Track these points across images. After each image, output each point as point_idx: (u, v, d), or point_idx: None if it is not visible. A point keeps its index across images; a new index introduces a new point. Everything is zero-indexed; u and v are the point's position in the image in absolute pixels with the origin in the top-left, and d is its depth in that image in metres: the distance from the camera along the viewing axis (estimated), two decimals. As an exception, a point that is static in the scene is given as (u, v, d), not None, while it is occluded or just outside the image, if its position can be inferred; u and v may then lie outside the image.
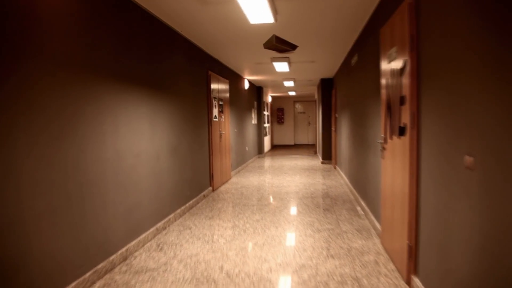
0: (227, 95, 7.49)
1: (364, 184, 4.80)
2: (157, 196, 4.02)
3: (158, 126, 4.07)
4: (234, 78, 8.46)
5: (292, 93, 15.08)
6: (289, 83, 10.98)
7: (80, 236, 2.61)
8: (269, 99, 15.60)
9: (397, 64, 2.79)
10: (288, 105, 18.35)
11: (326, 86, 10.19)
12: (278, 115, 18.29)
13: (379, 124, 3.75)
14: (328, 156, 10.25)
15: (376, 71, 3.83)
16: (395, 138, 2.89)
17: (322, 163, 10.25)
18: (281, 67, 7.50)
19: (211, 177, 6.24)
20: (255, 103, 11.85)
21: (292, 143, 18.41)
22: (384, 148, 3.31)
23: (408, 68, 2.49)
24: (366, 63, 4.49)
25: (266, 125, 14.22)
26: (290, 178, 7.76)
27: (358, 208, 4.98)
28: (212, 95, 6.25)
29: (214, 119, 6.40)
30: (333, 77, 9.77)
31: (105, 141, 2.94)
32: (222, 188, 6.69)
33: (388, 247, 3.20)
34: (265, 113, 13.92)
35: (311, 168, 9.37)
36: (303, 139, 18.51)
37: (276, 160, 11.27)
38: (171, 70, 4.49)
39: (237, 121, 8.81)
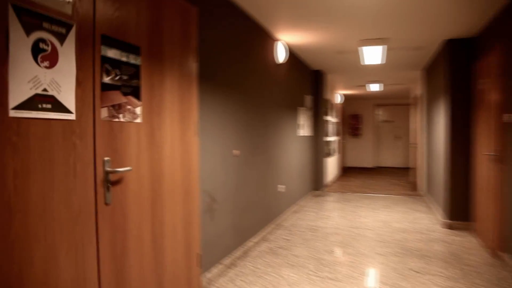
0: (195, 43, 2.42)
1: None
2: None
3: None
4: (232, 23, 3.39)
5: (375, 88, 9.48)
6: (373, 52, 5.56)
7: None
8: (337, 98, 10.17)
9: None
10: (366, 110, 12.69)
11: (461, 56, 4.60)
12: (352, 124, 12.71)
13: None
14: (463, 211, 4.58)
15: None
16: None
17: (448, 226, 4.60)
18: None
19: None
20: (309, 99, 6.60)
21: (371, 165, 12.64)
22: None
23: None
24: None
25: (332, 138, 8.78)
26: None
27: None
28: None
29: None
30: (482, 33, 4.13)
31: None
32: None
33: None
34: (330, 119, 8.52)
35: (427, 245, 3.81)
36: (388, 160, 12.64)
37: (345, 207, 5.83)
38: None
39: (247, 130, 3.69)
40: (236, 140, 3.40)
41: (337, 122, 9.84)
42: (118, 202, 1.80)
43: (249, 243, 3.70)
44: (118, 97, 1.79)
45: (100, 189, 1.69)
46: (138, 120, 1.94)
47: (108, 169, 1.72)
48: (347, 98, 12.32)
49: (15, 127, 1.30)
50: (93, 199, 1.65)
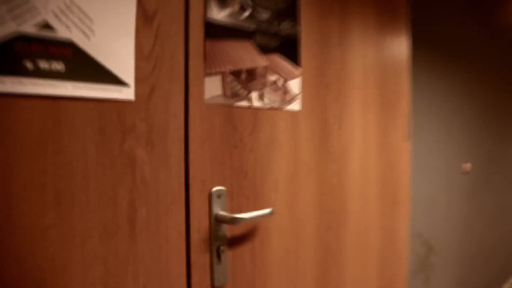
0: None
1: None
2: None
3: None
4: None
5: None
6: None
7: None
8: None
9: None
10: None
11: None
12: None
13: None
14: None
15: None
16: None
17: None
18: None
19: None
20: None
21: None
22: None
23: None
24: None
25: None
26: None
27: None
28: None
29: None
30: None
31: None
32: None
33: None
34: None
35: None
36: None
37: None
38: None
39: (483, 130, 2.24)
40: (464, 147, 2.04)
41: None
42: (243, 283, 0.84)
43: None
44: (247, 56, 0.83)
45: (200, 258, 0.76)
46: (294, 106, 0.94)
47: (222, 213, 0.78)
48: None
49: None
50: (183, 280, 0.73)
